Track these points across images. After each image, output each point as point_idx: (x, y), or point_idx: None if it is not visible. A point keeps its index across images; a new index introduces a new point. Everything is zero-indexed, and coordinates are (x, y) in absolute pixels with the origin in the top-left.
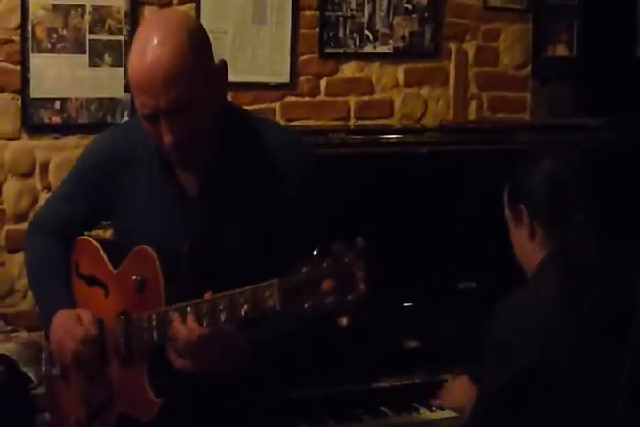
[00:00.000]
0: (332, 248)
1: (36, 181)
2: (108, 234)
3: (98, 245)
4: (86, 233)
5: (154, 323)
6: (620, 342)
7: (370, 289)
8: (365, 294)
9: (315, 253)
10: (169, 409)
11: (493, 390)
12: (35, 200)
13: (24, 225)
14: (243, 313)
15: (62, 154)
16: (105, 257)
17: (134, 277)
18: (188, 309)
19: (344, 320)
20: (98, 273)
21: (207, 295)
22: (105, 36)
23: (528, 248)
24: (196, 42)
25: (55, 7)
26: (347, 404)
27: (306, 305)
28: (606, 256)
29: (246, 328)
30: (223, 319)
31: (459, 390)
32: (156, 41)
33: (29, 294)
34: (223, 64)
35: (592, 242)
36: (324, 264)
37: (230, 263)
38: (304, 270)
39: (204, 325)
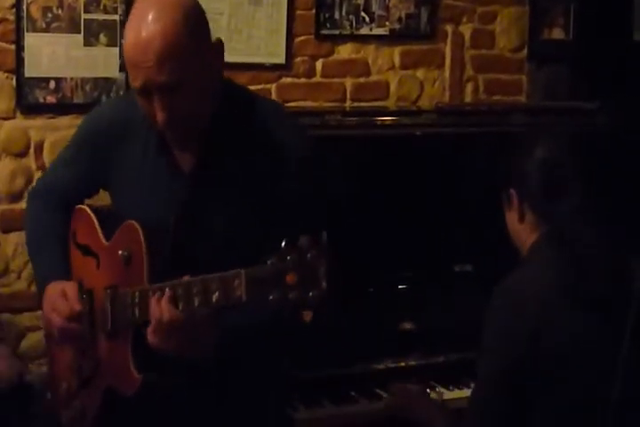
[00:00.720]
0: (297, 242)
1: (30, 161)
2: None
3: (93, 216)
4: (86, 201)
5: (136, 300)
6: (619, 322)
7: (330, 286)
8: (326, 291)
9: (282, 245)
10: (157, 386)
11: (494, 375)
12: (29, 180)
13: (18, 205)
14: (214, 300)
15: (57, 134)
16: (98, 228)
17: (121, 252)
18: (167, 289)
19: (307, 316)
20: (91, 243)
21: (185, 278)
22: (100, 16)
23: (519, 230)
24: (191, 20)
25: None
26: (342, 386)
27: (270, 297)
28: (602, 237)
29: (220, 313)
30: (196, 304)
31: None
32: (150, 18)
33: (24, 274)
34: (219, 43)
35: (585, 223)
36: (289, 258)
37: (215, 242)
38: (269, 262)
39: (180, 307)
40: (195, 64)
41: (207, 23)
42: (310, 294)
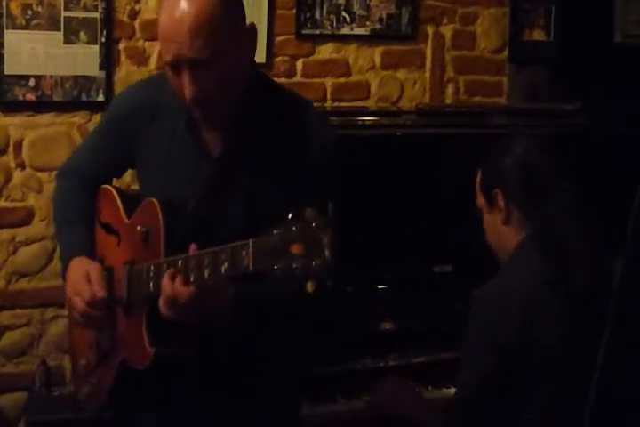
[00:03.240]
0: (304, 213)
1: (9, 159)
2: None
3: (116, 195)
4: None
5: (151, 274)
6: (601, 319)
7: (334, 256)
8: (329, 261)
9: (289, 216)
10: (170, 362)
11: (481, 375)
12: (8, 178)
13: None
14: (223, 271)
15: (36, 131)
16: (121, 206)
17: (139, 228)
18: (180, 262)
19: (309, 286)
20: (113, 221)
21: (192, 248)
22: (80, 14)
23: (503, 232)
24: (226, 1)
25: None
26: (321, 385)
27: (275, 267)
28: (584, 236)
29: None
30: (206, 276)
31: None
32: None
33: (2, 272)
34: (252, 27)
35: (570, 222)
36: (294, 228)
37: (235, 223)
38: (275, 232)
39: (192, 279)
40: (225, 43)
41: (242, 6)
42: (314, 263)
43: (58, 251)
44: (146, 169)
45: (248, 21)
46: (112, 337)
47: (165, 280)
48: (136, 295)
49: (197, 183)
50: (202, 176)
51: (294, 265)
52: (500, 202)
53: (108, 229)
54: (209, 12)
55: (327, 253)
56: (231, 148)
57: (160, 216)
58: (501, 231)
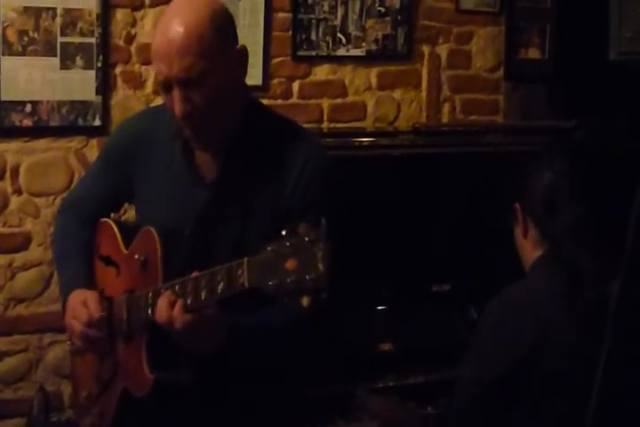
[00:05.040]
0: (297, 228)
1: (6, 185)
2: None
3: (114, 226)
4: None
5: (150, 300)
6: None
7: (328, 269)
8: (323, 275)
9: (283, 232)
10: (170, 388)
11: (482, 383)
12: (5, 204)
13: None
14: (219, 291)
15: (33, 157)
16: (119, 238)
17: (137, 257)
18: (177, 287)
19: (304, 301)
20: (112, 253)
21: (194, 274)
22: (76, 39)
23: (524, 246)
24: (218, 21)
25: (26, 9)
26: (320, 407)
27: (270, 283)
28: (597, 257)
29: (230, 313)
30: (203, 297)
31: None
32: (178, 16)
33: (3, 297)
34: (244, 49)
35: (583, 243)
36: (288, 243)
37: (230, 250)
38: (270, 249)
39: (189, 302)
40: (215, 62)
41: (234, 28)
42: (307, 277)
43: (55, 276)
44: (143, 197)
45: (244, 43)
46: (113, 367)
47: (163, 304)
48: (136, 322)
49: (192, 209)
50: (196, 202)
51: (288, 280)
52: (519, 216)
53: (108, 261)
54: (198, 31)
55: (321, 266)
56: (225, 174)
57: (157, 243)
58: (523, 245)
